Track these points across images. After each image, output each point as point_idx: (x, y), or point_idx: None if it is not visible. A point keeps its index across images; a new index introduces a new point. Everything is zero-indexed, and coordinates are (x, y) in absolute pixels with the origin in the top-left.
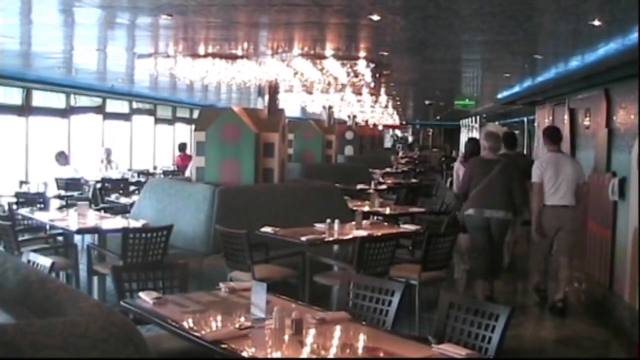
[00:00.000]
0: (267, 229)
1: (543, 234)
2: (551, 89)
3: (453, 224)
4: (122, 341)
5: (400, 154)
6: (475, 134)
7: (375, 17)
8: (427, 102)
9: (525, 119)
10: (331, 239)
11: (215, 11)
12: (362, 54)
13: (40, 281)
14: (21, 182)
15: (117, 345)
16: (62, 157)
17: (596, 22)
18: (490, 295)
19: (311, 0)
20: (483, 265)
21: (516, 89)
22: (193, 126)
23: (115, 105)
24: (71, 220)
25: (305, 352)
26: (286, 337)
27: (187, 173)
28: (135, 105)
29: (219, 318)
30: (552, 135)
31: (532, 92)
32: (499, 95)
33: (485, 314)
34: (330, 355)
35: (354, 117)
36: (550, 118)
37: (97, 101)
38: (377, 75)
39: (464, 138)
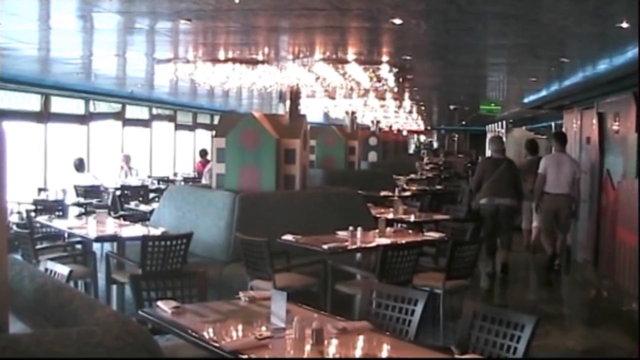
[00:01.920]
0: (288, 237)
1: (543, 214)
2: (579, 93)
3: (468, 211)
4: (138, 350)
5: (425, 159)
6: (503, 139)
7: (397, 21)
8: (451, 107)
9: (552, 124)
10: (353, 247)
11: (234, 16)
12: (384, 58)
13: (56, 290)
14: (39, 190)
15: (133, 355)
16: (81, 164)
17: (624, 25)
18: (506, 263)
19: (331, 4)
20: (491, 244)
21: (543, 93)
22: (213, 132)
23: (134, 111)
24: (90, 228)
25: None
26: (307, 348)
27: (204, 180)
28: (155, 111)
29: (238, 328)
30: (560, 138)
31: (559, 96)
32: (525, 100)
33: (510, 324)
34: None
35: (378, 122)
36: (579, 122)
37: (116, 107)
38: (401, 79)
39: (488, 143)
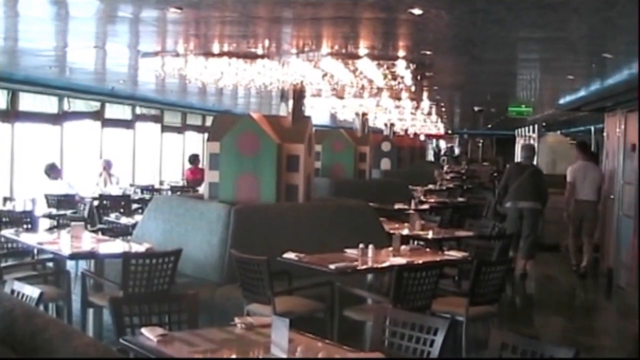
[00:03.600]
0: (290, 255)
1: (571, 219)
2: (623, 93)
3: (494, 214)
4: None
5: (445, 168)
6: (534, 144)
7: (417, 11)
8: (476, 109)
9: (592, 128)
10: (364, 267)
11: (231, 4)
12: (401, 53)
13: (27, 315)
14: (5, 199)
15: None
16: (54, 170)
17: None
18: (524, 273)
19: None
20: (515, 247)
21: (581, 93)
22: (205, 135)
23: (115, 111)
24: (63, 243)
25: None
26: None
27: (202, 189)
28: (138, 110)
29: (233, 359)
30: (584, 148)
31: (600, 96)
32: (561, 101)
33: (543, 356)
34: None
35: (392, 125)
36: (622, 127)
37: (94, 105)
38: (419, 77)
39: (519, 150)
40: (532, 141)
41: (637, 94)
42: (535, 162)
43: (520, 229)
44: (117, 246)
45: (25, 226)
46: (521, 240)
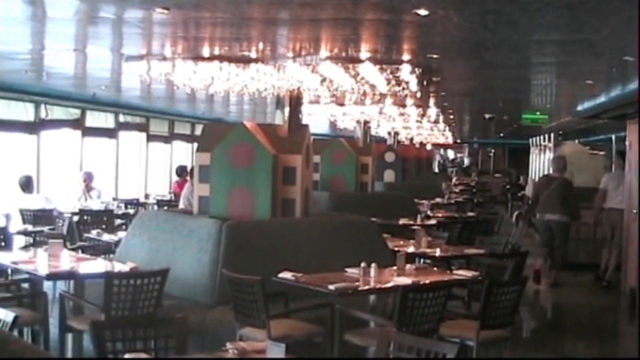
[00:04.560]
0: (287, 275)
1: (598, 226)
2: None
3: (528, 225)
4: None
5: (454, 180)
6: (549, 155)
7: (423, 12)
8: (487, 116)
9: (612, 137)
10: (366, 287)
11: (222, 4)
12: (405, 57)
13: (0, 341)
14: None
15: None
16: (29, 183)
17: None
18: (554, 284)
19: None
20: (546, 258)
21: (601, 99)
22: (195, 145)
23: (97, 119)
24: (40, 262)
25: None
26: None
27: (181, 204)
28: (122, 118)
29: None
30: (624, 156)
31: (621, 103)
32: (579, 108)
33: None
34: None
35: (396, 134)
36: None
37: (74, 113)
38: (425, 83)
39: (535, 161)
40: (547, 151)
41: (637, 105)
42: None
43: (551, 241)
44: (98, 265)
45: None
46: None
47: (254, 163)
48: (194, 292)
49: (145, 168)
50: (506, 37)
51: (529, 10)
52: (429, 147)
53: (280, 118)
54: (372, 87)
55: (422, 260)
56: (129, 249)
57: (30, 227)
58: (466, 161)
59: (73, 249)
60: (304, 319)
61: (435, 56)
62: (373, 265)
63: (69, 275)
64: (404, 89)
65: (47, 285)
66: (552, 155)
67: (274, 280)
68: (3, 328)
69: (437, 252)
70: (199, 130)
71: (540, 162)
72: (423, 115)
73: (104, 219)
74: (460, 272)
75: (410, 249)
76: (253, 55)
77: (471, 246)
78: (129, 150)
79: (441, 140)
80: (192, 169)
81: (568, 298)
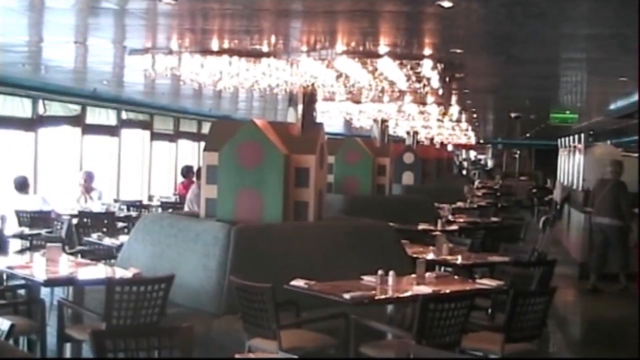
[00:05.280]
0: (299, 283)
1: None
2: None
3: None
4: None
5: (477, 183)
6: (579, 157)
7: (446, 4)
8: (512, 115)
9: None
10: (384, 297)
11: None
12: (427, 51)
13: None
14: None
15: None
16: (24, 184)
17: None
18: (593, 289)
19: None
20: (595, 261)
21: (635, 97)
22: (202, 144)
23: (98, 115)
24: (37, 267)
25: None
26: None
27: (187, 206)
28: (125, 115)
29: None
30: None
31: None
32: (611, 106)
33: None
34: None
35: (415, 134)
36: None
37: (74, 109)
38: (447, 79)
39: (564, 163)
40: (577, 152)
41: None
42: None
43: (604, 245)
44: (99, 271)
45: None
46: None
47: (264, 163)
48: (199, 300)
49: (148, 168)
50: (534, 31)
51: (559, 2)
52: (450, 147)
53: (292, 116)
54: (391, 83)
55: (442, 268)
56: (132, 253)
57: (26, 230)
58: (490, 163)
59: (72, 254)
60: (316, 329)
61: (458, 51)
62: (391, 273)
63: (68, 281)
64: (424, 85)
65: (44, 292)
66: (582, 158)
67: (285, 288)
68: None
69: (459, 260)
70: (205, 128)
71: (569, 165)
72: (444, 114)
73: (104, 221)
74: (484, 281)
75: (430, 256)
76: (264, 49)
77: (495, 254)
78: (131, 149)
79: (463, 141)
80: (198, 170)
81: (604, 308)
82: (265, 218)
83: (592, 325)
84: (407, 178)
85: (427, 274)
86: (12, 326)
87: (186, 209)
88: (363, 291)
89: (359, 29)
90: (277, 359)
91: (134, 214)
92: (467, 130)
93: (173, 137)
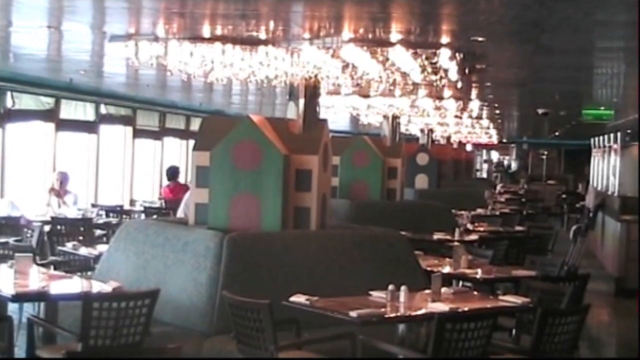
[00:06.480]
0: (300, 299)
1: None
2: None
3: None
4: None
5: (499, 187)
6: (615, 159)
7: None
8: (540, 112)
9: None
10: (395, 315)
11: None
12: (444, 39)
13: None
14: None
15: None
16: None
17: None
18: None
19: None
20: None
21: None
22: (191, 143)
23: (74, 110)
24: (4, 280)
25: None
26: None
27: (180, 212)
28: (104, 109)
29: None
30: None
31: None
32: None
33: None
34: None
35: (430, 132)
36: None
37: (47, 103)
38: (467, 71)
39: (597, 165)
40: (612, 153)
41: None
42: None
43: None
44: (74, 285)
45: None
46: None
47: (261, 165)
48: (188, 318)
49: (130, 169)
50: (565, 17)
51: None
52: (469, 147)
53: (293, 111)
54: (404, 75)
55: (461, 283)
56: (111, 265)
57: None
58: (513, 165)
59: (44, 265)
60: (319, 351)
61: (479, 39)
62: (403, 288)
63: (39, 296)
64: (441, 77)
65: (12, 308)
66: (618, 159)
67: (284, 305)
68: None
69: (479, 274)
70: (195, 124)
71: (604, 167)
72: (463, 110)
73: (81, 229)
74: (507, 297)
75: (447, 270)
76: (262, 36)
77: (520, 267)
78: (111, 147)
79: (484, 140)
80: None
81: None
82: (262, 226)
83: (629, 349)
84: (421, 181)
85: (444, 290)
86: None
87: (181, 214)
88: (371, 308)
89: (368, 13)
90: None
91: (114, 220)
92: (488, 128)
93: (158, 134)
